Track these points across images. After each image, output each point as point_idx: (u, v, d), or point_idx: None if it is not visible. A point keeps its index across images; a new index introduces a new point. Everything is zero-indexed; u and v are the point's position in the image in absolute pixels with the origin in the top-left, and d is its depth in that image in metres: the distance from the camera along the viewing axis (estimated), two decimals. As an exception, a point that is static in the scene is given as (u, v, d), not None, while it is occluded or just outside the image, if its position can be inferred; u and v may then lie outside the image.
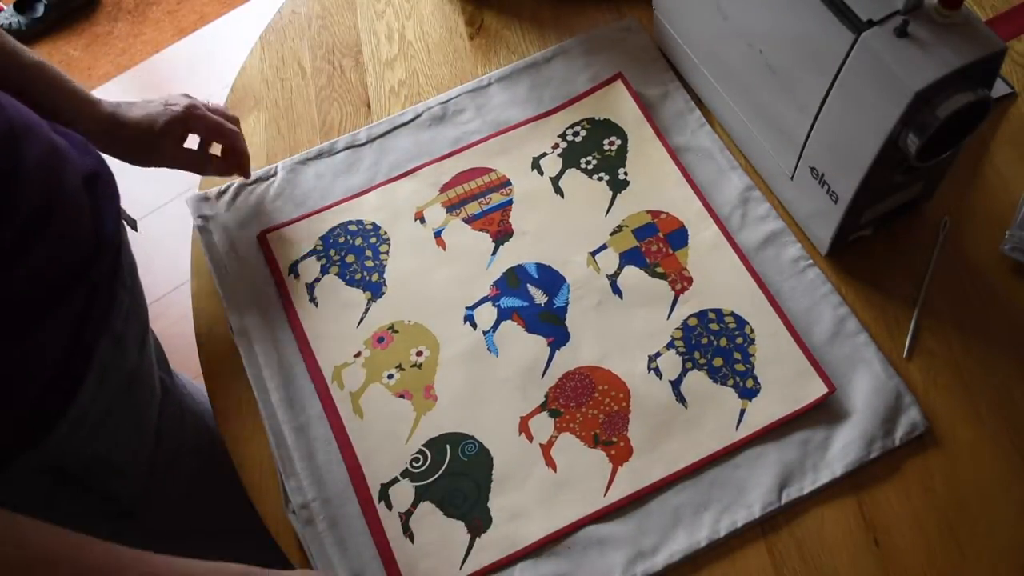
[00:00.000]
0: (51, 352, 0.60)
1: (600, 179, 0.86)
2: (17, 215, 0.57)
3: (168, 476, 0.77)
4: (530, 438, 0.73)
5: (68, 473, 0.66)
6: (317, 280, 0.82)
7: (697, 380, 0.74)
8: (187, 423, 0.80)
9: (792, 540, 0.68)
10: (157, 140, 0.76)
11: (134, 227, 0.76)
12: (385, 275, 0.82)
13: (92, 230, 0.64)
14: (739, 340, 0.76)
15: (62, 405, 0.61)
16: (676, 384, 0.74)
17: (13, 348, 0.58)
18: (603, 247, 0.82)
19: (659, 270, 0.80)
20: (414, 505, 0.71)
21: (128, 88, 2.14)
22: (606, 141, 0.88)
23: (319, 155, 0.90)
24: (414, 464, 0.72)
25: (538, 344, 0.77)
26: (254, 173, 0.88)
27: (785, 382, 0.73)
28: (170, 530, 0.80)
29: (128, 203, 0.76)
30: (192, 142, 0.81)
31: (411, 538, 0.69)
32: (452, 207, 0.85)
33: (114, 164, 0.75)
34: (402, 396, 0.75)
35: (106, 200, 0.67)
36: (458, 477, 0.72)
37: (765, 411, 0.72)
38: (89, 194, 0.65)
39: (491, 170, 0.87)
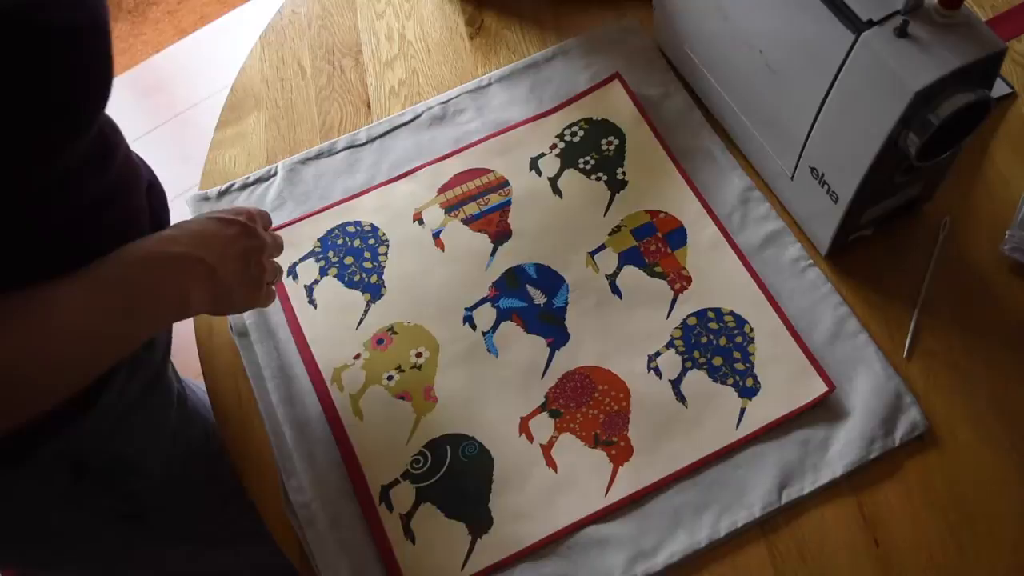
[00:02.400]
0: None
1: (598, 179, 0.86)
2: (104, 182, 0.57)
3: (180, 480, 0.77)
4: (530, 439, 0.73)
5: (90, 468, 0.67)
6: (316, 282, 0.82)
7: (697, 379, 0.74)
8: (197, 430, 0.81)
9: (792, 540, 0.68)
10: None
11: None
12: (384, 276, 0.82)
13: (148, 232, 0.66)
14: (738, 339, 0.76)
15: (93, 396, 0.63)
16: (676, 383, 0.74)
17: None
18: (602, 247, 0.82)
19: (658, 270, 0.80)
20: (415, 506, 0.71)
21: (128, 88, 2.14)
22: (604, 141, 0.88)
23: (319, 155, 0.90)
24: (414, 465, 0.72)
25: (538, 345, 0.77)
26: (254, 173, 0.89)
27: (785, 381, 0.73)
28: (177, 533, 0.81)
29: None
30: None
31: (412, 539, 0.69)
32: (450, 208, 0.85)
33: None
34: (402, 397, 0.75)
35: (160, 209, 0.68)
36: (459, 478, 0.72)
37: (765, 410, 0.72)
38: (147, 201, 0.67)
39: (489, 171, 0.87)
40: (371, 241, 0.84)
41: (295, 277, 0.82)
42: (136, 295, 0.56)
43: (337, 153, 0.90)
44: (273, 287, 0.71)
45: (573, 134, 0.88)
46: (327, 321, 0.80)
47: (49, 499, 0.67)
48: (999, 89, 0.87)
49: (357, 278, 0.82)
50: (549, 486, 0.71)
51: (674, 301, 0.78)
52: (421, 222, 0.85)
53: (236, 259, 0.62)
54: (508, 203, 0.85)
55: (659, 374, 0.75)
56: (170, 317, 0.61)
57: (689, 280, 0.79)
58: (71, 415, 0.62)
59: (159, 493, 0.75)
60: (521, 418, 0.74)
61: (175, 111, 2.10)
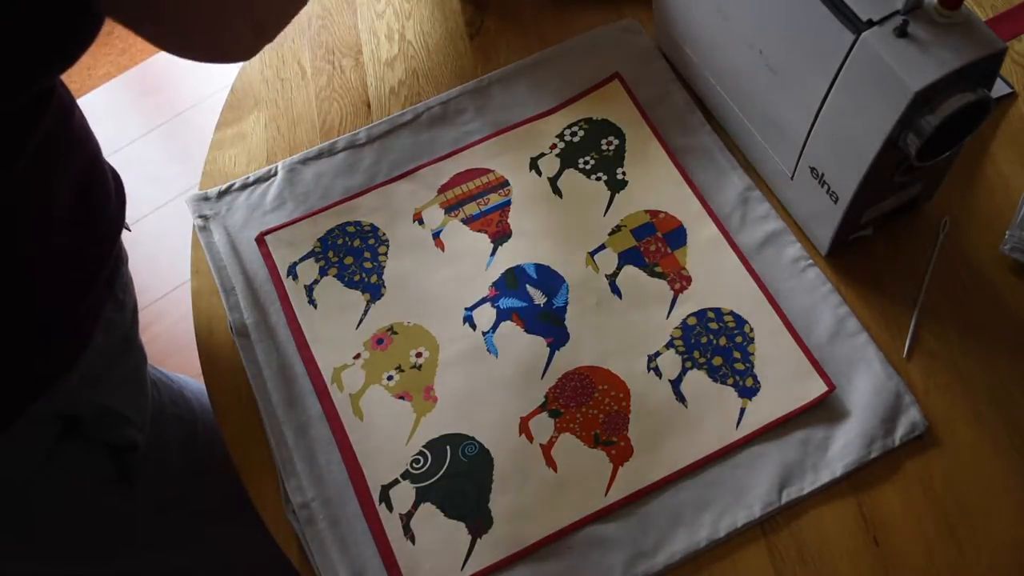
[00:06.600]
0: (69, 313, 0.67)
1: (598, 179, 0.86)
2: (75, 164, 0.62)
3: (159, 438, 0.80)
4: (530, 438, 0.73)
5: (82, 423, 0.69)
6: (316, 282, 0.82)
7: (697, 379, 0.74)
8: (163, 391, 0.84)
9: (792, 540, 0.68)
10: None
11: (128, 228, 0.79)
12: (384, 276, 0.82)
13: (116, 206, 0.72)
14: (738, 339, 0.76)
15: (74, 356, 0.66)
16: (676, 383, 0.74)
17: (63, 306, 0.65)
18: (602, 247, 0.82)
19: (658, 270, 0.80)
20: (415, 506, 0.71)
21: (128, 88, 2.14)
22: (604, 141, 0.88)
23: (319, 155, 0.90)
24: (414, 465, 0.72)
25: (538, 344, 0.77)
26: (254, 173, 0.89)
27: (785, 381, 0.73)
28: (166, 504, 0.82)
29: (129, 202, 0.76)
30: None
31: (412, 540, 0.69)
32: (450, 208, 0.85)
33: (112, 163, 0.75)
34: (402, 397, 0.76)
35: (120, 185, 0.74)
36: (459, 478, 0.72)
37: (765, 410, 0.72)
38: (112, 175, 0.72)
39: (489, 171, 0.87)
40: (371, 241, 0.84)
41: (295, 277, 0.82)
42: None
43: (337, 153, 0.90)
44: None
45: (573, 134, 0.88)
46: (327, 321, 0.80)
47: (34, 459, 0.68)
48: (999, 89, 0.87)
49: (357, 278, 0.82)
50: (549, 486, 0.71)
51: (674, 301, 0.78)
52: (421, 222, 0.85)
53: None
54: (508, 203, 0.85)
55: (659, 374, 0.75)
56: None
57: (689, 280, 0.79)
58: (54, 374, 0.65)
59: (147, 455, 0.77)
60: (521, 418, 0.74)
61: (175, 111, 2.10)
